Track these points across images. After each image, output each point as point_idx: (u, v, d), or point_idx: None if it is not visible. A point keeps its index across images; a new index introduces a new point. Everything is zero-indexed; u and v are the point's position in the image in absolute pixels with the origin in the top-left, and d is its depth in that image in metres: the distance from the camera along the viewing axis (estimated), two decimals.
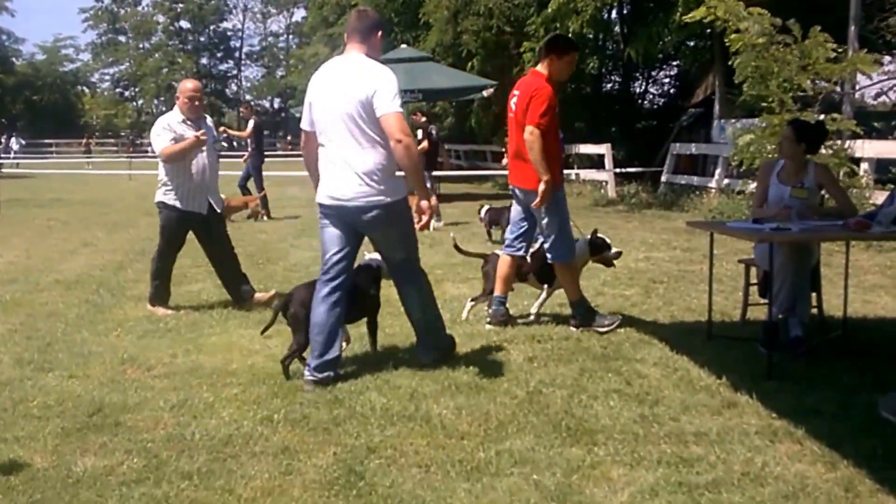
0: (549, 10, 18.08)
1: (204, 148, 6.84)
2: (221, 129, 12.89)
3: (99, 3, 77.38)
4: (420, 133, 14.20)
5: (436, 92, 18.89)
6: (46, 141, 54.36)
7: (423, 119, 14.71)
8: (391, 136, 4.67)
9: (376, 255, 5.29)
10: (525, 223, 6.10)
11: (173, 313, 6.83)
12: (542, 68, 5.90)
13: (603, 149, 18.33)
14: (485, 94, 18.62)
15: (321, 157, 4.98)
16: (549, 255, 5.98)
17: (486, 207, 11.37)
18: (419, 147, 14.96)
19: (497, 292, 6.19)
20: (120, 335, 6.12)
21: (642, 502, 3.31)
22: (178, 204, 6.84)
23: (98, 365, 5.31)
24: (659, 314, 6.49)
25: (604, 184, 18.26)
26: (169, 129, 6.77)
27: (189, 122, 6.84)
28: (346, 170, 4.79)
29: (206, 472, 3.63)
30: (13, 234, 12.65)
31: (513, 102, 5.92)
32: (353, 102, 4.70)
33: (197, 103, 6.92)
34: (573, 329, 5.90)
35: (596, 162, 19.59)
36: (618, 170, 18.52)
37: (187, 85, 7.01)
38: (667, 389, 4.66)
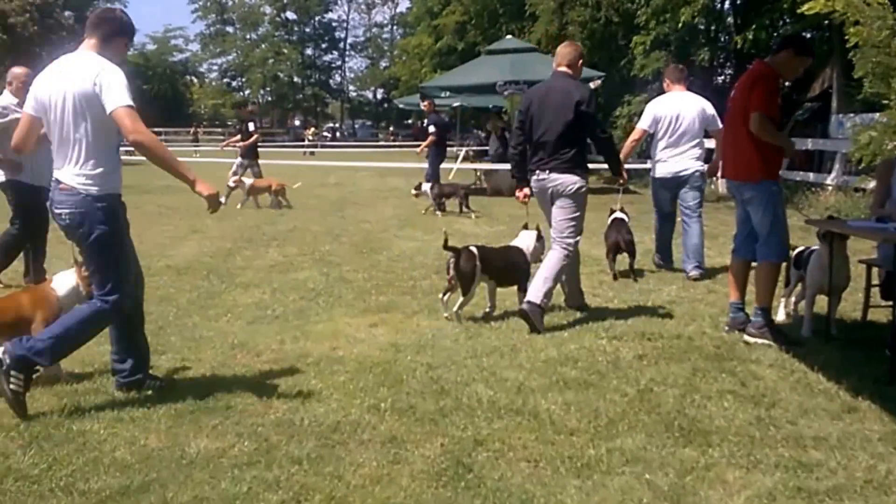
0: None
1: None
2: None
3: None
4: (251, 125, 16.57)
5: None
6: (156, 129, 55.77)
7: (249, 111, 18.26)
8: (719, 136, 7.74)
9: (623, 215, 8.07)
10: (751, 223, 5.77)
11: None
12: (769, 60, 5.67)
13: (713, 143, 17.69)
14: (591, 85, 18.25)
15: (662, 146, 8.19)
16: (758, 254, 5.65)
17: (429, 184, 14.07)
18: (251, 139, 16.21)
19: (731, 298, 5.87)
20: (230, 321, 6.25)
21: None
22: (29, 181, 7.28)
23: (209, 349, 5.43)
24: (774, 314, 6.23)
25: (713, 179, 17.68)
26: (8, 111, 7.26)
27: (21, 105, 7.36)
28: (686, 155, 8.15)
29: (315, 457, 3.66)
30: None
31: (735, 91, 5.73)
32: (699, 117, 8.17)
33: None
34: (747, 338, 5.48)
35: (705, 157, 18.99)
36: None
37: (18, 71, 7.56)
38: (783, 392, 4.50)
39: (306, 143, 44.86)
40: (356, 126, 79.50)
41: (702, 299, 6.76)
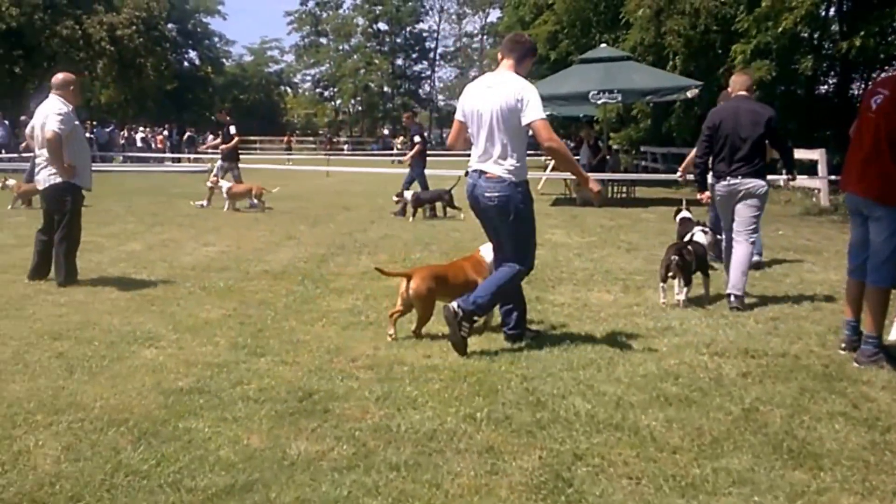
0: (763, 6, 17.17)
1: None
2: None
3: (303, 7, 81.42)
4: (232, 129, 16.87)
5: (635, 92, 18.39)
6: (251, 138, 57.04)
7: (226, 114, 17.88)
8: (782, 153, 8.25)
9: (687, 214, 9.27)
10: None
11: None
12: None
13: (816, 154, 16.95)
14: (689, 94, 17.82)
15: None
16: (868, 276, 5.31)
17: (411, 192, 14.78)
18: (232, 142, 16.64)
19: (847, 316, 5.59)
20: (325, 325, 6.30)
21: None
22: (82, 184, 7.94)
23: (306, 353, 5.50)
24: (886, 333, 5.94)
25: (816, 192, 17.02)
26: (70, 118, 7.71)
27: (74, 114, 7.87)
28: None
29: (412, 464, 3.65)
30: (224, 224, 13.42)
31: (874, 101, 5.24)
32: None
33: None
34: (855, 364, 5.19)
35: (808, 168, 18.36)
36: (832, 177, 17.26)
37: (70, 77, 7.94)
38: None
39: (395, 151, 45.34)
40: (444, 135, 79.92)
41: (807, 316, 6.51)
